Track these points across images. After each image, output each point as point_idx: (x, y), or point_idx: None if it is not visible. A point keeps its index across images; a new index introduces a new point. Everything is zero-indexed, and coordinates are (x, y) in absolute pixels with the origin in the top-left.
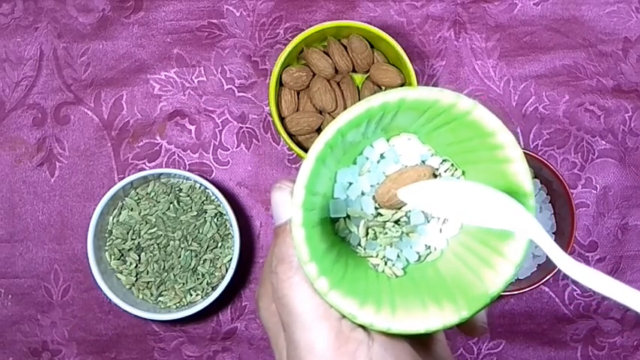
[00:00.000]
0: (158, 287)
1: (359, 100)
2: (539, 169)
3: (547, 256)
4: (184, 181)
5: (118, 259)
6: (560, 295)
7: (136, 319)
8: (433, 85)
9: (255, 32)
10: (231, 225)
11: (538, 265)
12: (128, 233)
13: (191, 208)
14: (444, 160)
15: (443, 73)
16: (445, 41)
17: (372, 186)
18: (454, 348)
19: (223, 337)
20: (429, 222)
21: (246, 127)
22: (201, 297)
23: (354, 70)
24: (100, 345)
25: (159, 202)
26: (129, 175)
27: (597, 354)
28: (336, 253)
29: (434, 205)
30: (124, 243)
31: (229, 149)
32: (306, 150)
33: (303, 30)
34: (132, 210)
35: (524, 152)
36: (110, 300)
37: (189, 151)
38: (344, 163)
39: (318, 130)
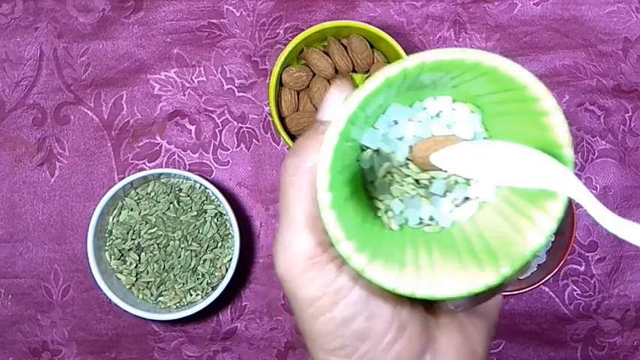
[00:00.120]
0: (158, 287)
1: None
2: None
3: (547, 256)
4: (184, 181)
5: (118, 259)
6: (560, 295)
7: (136, 319)
8: None
9: (255, 32)
10: (231, 225)
11: (538, 265)
12: (128, 233)
13: (191, 208)
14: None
15: None
16: (445, 41)
17: (414, 136)
18: None
19: (223, 337)
20: (444, 197)
21: (246, 127)
22: (201, 297)
23: (354, 70)
24: (100, 345)
25: (159, 202)
26: (129, 175)
27: (597, 354)
28: (355, 200)
29: (468, 168)
30: (124, 243)
31: (229, 149)
32: None
33: (303, 30)
34: (132, 210)
35: None
36: (110, 300)
37: (189, 151)
38: (401, 100)
39: None
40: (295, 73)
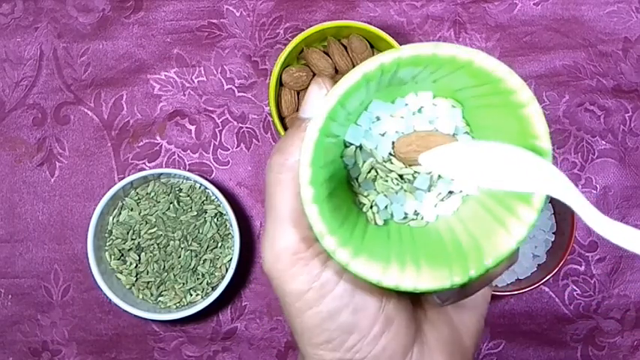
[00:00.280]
0: (158, 287)
1: None
2: None
3: (547, 256)
4: (184, 181)
5: (118, 259)
6: (560, 295)
7: (136, 319)
8: None
9: (255, 32)
10: (231, 225)
11: (538, 265)
12: (128, 233)
13: (191, 208)
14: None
15: None
16: (445, 41)
17: (396, 132)
18: None
19: (223, 337)
20: (429, 192)
21: (246, 127)
22: (201, 297)
23: None
24: (100, 345)
25: (159, 202)
26: (129, 175)
27: (597, 354)
28: (340, 199)
29: (456, 170)
30: (124, 243)
31: (229, 149)
32: None
33: (303, 30)
34: (132, 210)
35: None
36: (110, 300)
37: (189, 151)
38: (382, 96)
39: None
40: (295, 73)
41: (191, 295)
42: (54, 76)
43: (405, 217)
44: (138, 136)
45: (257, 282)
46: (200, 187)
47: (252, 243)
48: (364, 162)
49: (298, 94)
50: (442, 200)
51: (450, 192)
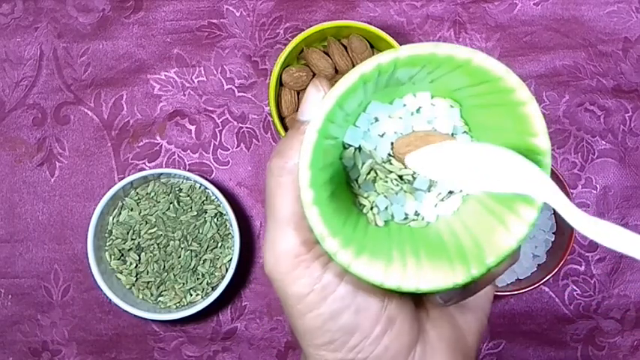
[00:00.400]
0: (158, 287)
1: None
2: None
3: (547, 256)
4: (184, 181)
5: (118, 259)
6: (560, 295)
7: (136, 319)
8: None
9: (255, 32)
10: (231, 225)
11: (538, 265)
12: (128, 233)
13: (191, 208)
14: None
15: None
16: (445, 41)
17: (395, 133)
18: None
19: (223, 337)
20: (429, 192)
21: (246, 127)
22: (201, 297)
23: None
24: (100, 345)
25: (159, 202)
26: (129, 175)
27: (597, 354)
28: (336, 195)
29: (438, 171)
30: (124, 243)
31: (229, 149)
32: None
33: (303, 30)
34: (132, 210)
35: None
36: (110, 300)
37: (189, 151)
38: (380, 97)
39: None
40: (295, 73)
41: (191, 295)
42: (54, 76)
43: (405, 218)
44: (138, 136)
45: (257, 282)
46: (200, 187)
47: (252, 243)
48: (363, 163)
49: (298, 94)
50: (442, 200)
51: (450, 192)
